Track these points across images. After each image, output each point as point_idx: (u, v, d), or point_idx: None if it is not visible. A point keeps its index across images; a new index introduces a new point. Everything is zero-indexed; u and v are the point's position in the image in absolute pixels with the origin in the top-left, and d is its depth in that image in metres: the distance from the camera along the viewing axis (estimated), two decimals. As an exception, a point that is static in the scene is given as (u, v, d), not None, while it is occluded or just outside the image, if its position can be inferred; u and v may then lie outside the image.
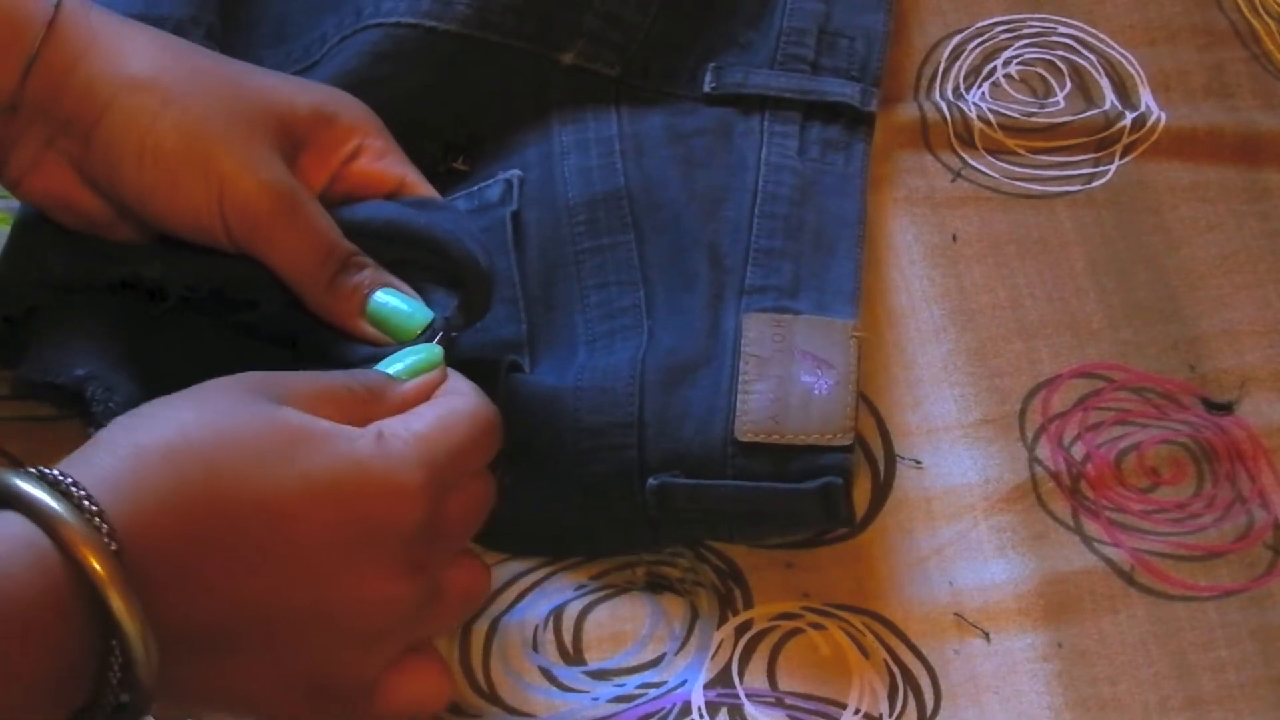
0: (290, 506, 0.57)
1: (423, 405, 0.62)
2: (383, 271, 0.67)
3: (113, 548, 0.53)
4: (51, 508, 0.53)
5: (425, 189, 0.70)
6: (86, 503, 0.53)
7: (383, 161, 0.70)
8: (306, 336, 0.68)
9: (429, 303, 0.67)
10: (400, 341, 0.66)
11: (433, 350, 0.65)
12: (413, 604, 0.59)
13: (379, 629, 0.59)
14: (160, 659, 0.54)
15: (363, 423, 0.60)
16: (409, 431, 0.60)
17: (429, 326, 0.66)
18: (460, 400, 0.62)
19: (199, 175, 0.65)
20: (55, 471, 0.54)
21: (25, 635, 0.52)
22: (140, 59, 0.66)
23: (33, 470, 0.54)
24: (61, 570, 0.53)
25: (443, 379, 0.64)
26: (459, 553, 0.62)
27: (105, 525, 0.53)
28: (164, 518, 0.55)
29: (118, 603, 0.53)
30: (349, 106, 0.71)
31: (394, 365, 0.64)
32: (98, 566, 0.53)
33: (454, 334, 0.66)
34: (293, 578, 0.57)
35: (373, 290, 0.67)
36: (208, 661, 0.57)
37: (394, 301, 0.67)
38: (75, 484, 0.54)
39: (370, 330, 0.67)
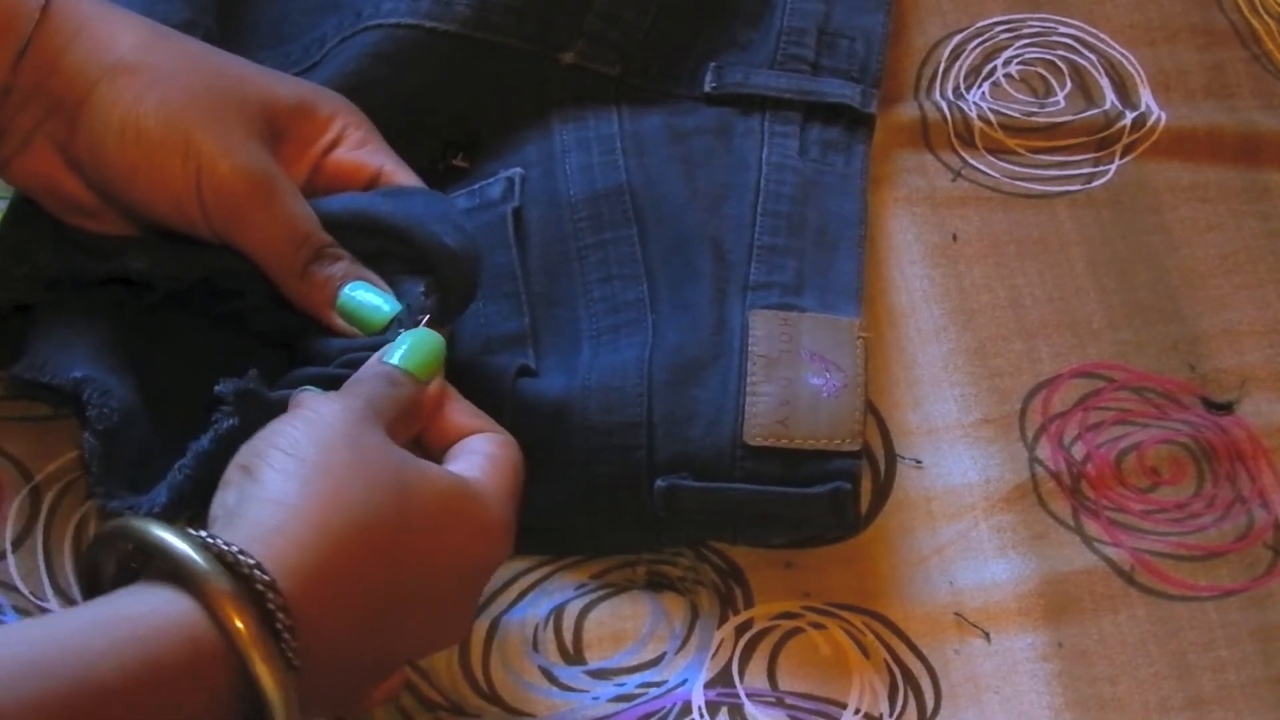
0: (437, 564, 0.59)
1: (491, 445, 0.64)
2: (357, 265, 0.68)
3: (288, 656, 0.54)
4: (223, 590, 0.53)
5: (404, 177, 0.71)
6: (271, 594, 0.54)
7: (361, 150, 0.70)
8: (293, 330, 0.68)
9: (404, 294, 0.67)
10: (368, 334, 0.66)
11: (420, 334, 0.65)
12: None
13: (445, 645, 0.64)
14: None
15: (408, 433, 0.62)
16: (490, 476, 0.62)
17: (394, 320, 0.66)
18: (507, 448, 0.64)
19: (178, 157, 0.66)
20: (237, 551, 0.54)
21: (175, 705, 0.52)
22: (127, 43, 0.67)
23: (216, 549, 0.54)
24: (213, 641, 0.53)
25: (441, 362, 0.65)
26: None
27: (287, 613, 0.54)
28: (341, 607, 0.56)
29: (277, 701, 0.53)
30: (328, 98, 0.71)
31: (393, 355, 0.64)
32: (270, 681, 0.53)
33: (428, 319, 0.66)
34: (428, 619, 0.60)
35: (345, 282, 0.67)
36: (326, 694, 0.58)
37: (363, 294, 0.67)
38: (264, 577, 0.54)
39: (340, 323, 0.67)
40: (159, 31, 0.68)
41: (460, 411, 0.65)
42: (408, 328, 0.65)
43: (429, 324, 0.65)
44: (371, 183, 0.70)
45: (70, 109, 0.66)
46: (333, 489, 0.57)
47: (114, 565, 0.57)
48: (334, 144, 0.70)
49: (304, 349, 0.67)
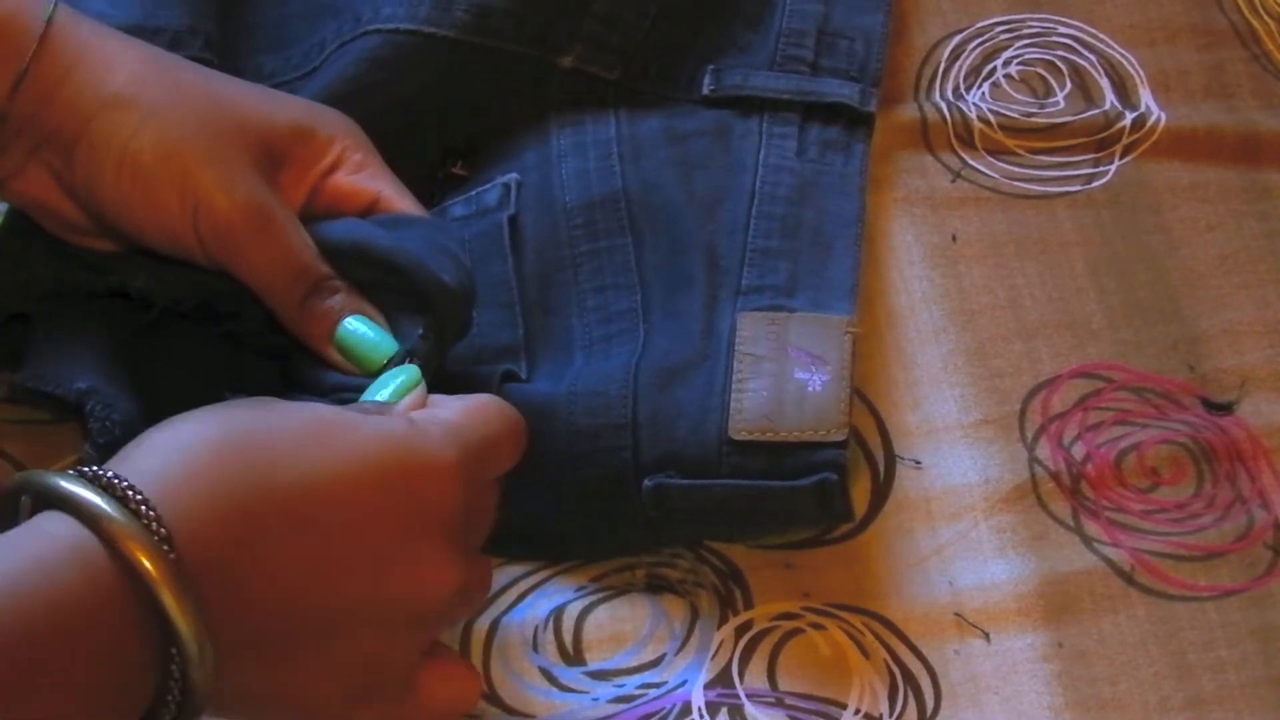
0: (337, 489, 0.56)
1: (448, 399, 0.62)
2: (356, 297, 0.67)
3: (165, 547, 0.52)
4: (100, 507, 0.52)
5: (403, 203, 0.70)
6: (138, 502, 0.53)
7: (359, 175, 0.70)
8: (288, 350, 0.68)
9: (399, 329, 0.67)
10: (364, 372, 0.66)
11: (411, 371, 0.65)
12: (457, 589, 0.59)
13: (429, 613, 0.59)
14: (216, 662, 0.53)
15: None
16: (438, 419, 0.60)
17: (391, 360, 0.66)
18: (488, 399, 0.63)
19: (174, 191, 0.66)
20: (106, 472, 0.54)
21: (76, 638, 0.51)
22: (124, 75, 0.66)
23: (81, 470, 0.54)
24: (110, 572, 0.52)
25: (423, 397, 0.64)
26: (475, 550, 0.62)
27: (158, 524, 0.53)
28: (214, 512, 0.54)
29: (170, 602, 0.52)
30: (328, 121, 0.71)
31: (381, 392, 0.64)
32: (149, 565, 0.52)
33: (421, 362, 0.65)
34: (353, 563, 0.56)
35: (343, 315, 0.67)
36: (265, 663, 0.56)
37: (362, 329, 0.66)
38: (128, 485, 0.53)
39: (336, 357, 0.67)
40: (156, 60, 0.68)
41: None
42: (404, 364, 0.65)
43: (424, 363, 0.65)
44: (370, 208, 0.70)
45: (67, 141, 0.66)
46: (205, 413, 0.57)
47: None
48: (333, 167, 0.70)
49: (298, 373, 0.67)
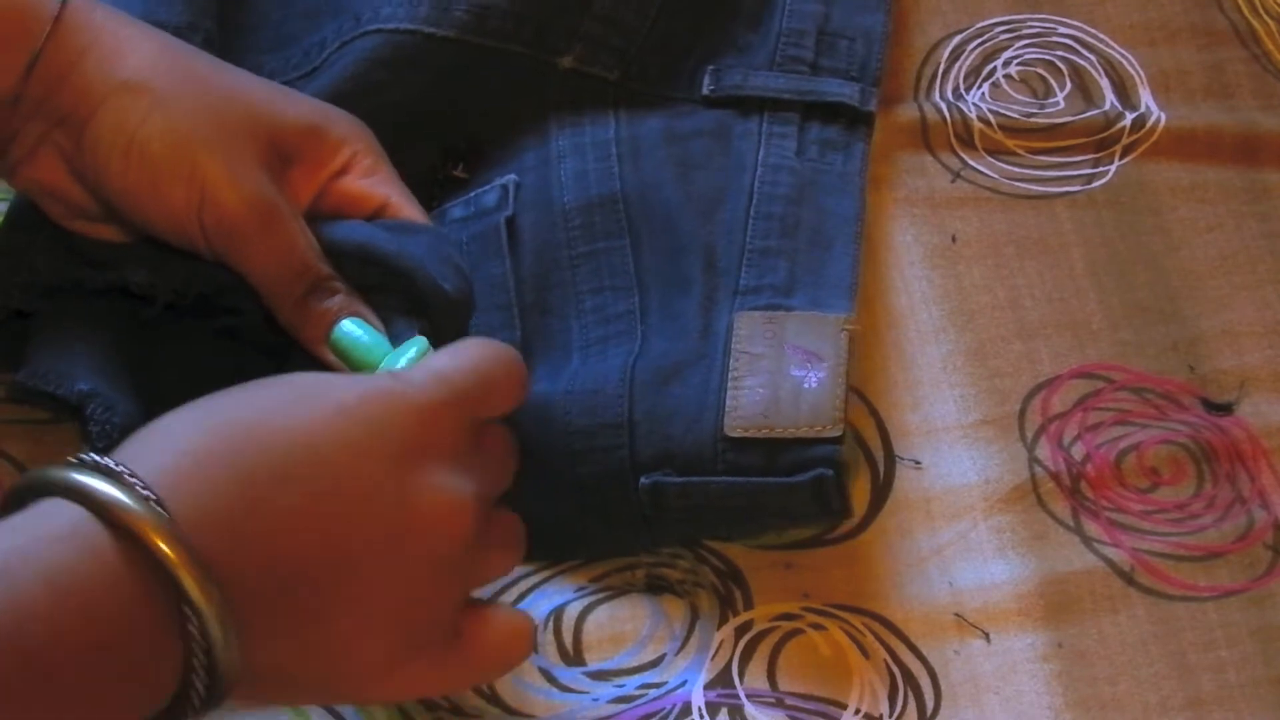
0: (322, 438, 0.56)
1: (438, 351, 0.63)
2: (354, 299, 0.67)
3: (176, 530, 0.53)
4: (112, 495, 0.52)
5: (409, 211, 0.70)
6: (143, 489, 0.53)
7: (368, 180, 0.70)
8: (290, 349, 0.68)
9: (395, 334, 0.67)
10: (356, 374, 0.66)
11: (420, 342, 0.65)
12: (474, 527, 0.58)
13: (449, 555, 0.58)
14: (241, 640, 0.53)
15: None
16: (424, 366, 0.61)
17: (381, 365, 0.66)
18: (478, 341, 0.63)
19: (181, 182, 0.66)
20: (109, 461, 0.54)
21: (77, 617, 0.51)
22: (136, 60, 0.66)
23: (82, 459, 0.54)
24: (114, 555, 0.52)
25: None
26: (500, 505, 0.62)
27: (162, 508, 0.53)
28: (210, 486, 0.54)
29: (191, 584, 0.52)
30: (340, 122, 0.71)
31: (399, 361, 0.64)
32: (168, 550, 0.52)
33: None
34: (348, 508, 0.56)
35: (340, 317, 0.67)
36: (291, 628, 0.56)
37: (357, 332, 0.66)
38: (131, 473, 0.53)
39: (331, 358, 0.67)
40: (170, 48, 0.68)
41: None
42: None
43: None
44: (377, 213, 0.70)
45: (77, 123, 0.66)
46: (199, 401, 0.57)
47: None
48: (344, 169, 0.70)
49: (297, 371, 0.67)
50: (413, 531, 0.57)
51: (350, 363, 0.66)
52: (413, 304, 0.67)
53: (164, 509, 0.53)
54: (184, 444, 0.55)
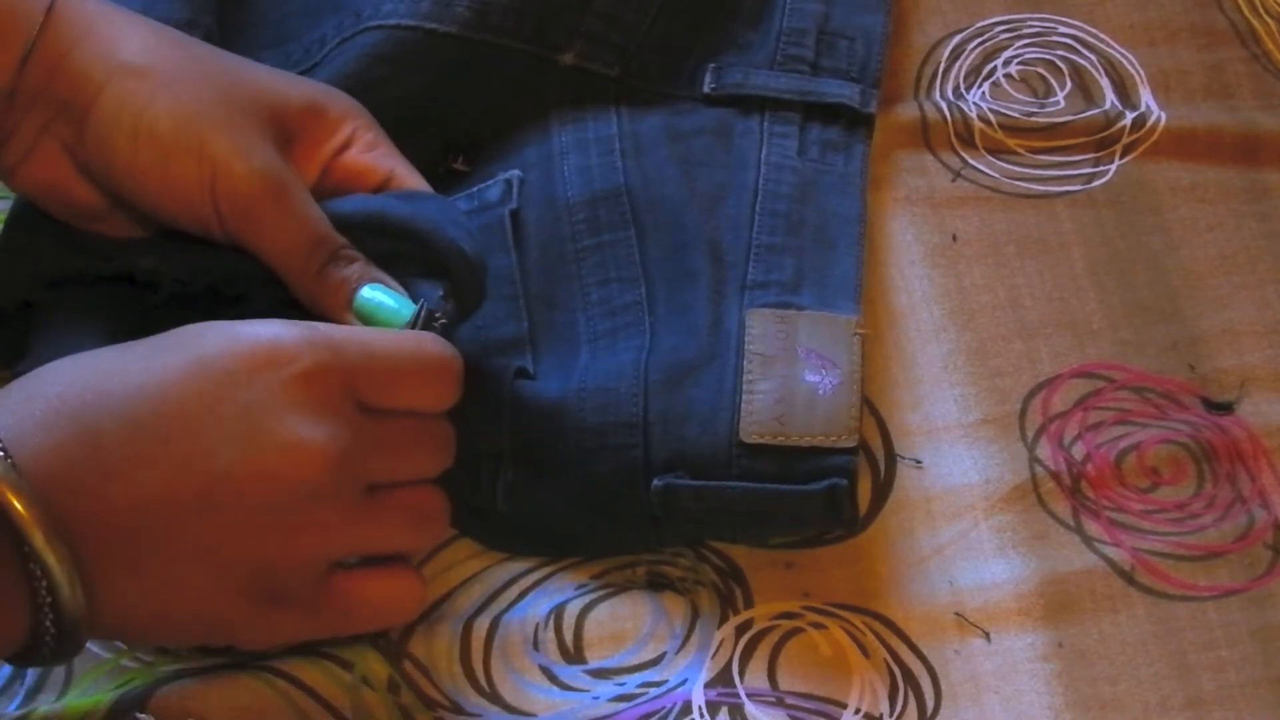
0: (168, 384, 0.58)
1: None
2: (372, 266, 0.67)
3: (21, 482, 0.54)
4: None
5: (415, 181, 0.70)
6: None
7: (373, 154, 0.70)
8: None
9: (417, 296, 0.67)
10: None
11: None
12: (326, 476, 0.59)
13: (293, 499, 0.59)
14: (85, 587, 0.55)
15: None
16: (321, 330, 0.61)
17: (415, 318, 0.66)
18: (422, 335, 0.63)
19: (191, 159, 0.65)
20: None
21: None
22: (135, 45, 0.66)
23: None
24: None
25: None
26: (417, 484, 0.62)
27: (10, 462, 0.54)
28: (53, 435, 0.56)
29: (39, 540, 0.54)
30: (339, 99, 0.71)
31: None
32: (19, 506, 0.54)
33: (444, 323, 0.66)
34: (189, 452, 0.57)
35: (360, 284, 0.67)
36: (136, 572, 0.57)
37: (380, 297, 0.66)
38: None
39: (355, 324, 0.66)
40: (165, 33, 0.68)
41: None
42: (424, 329, 0.65)
43: (444, 329, 0.65)
44: (382, 186, 0.70)
45: (78, 111, 0.66)
46: None
47: None
48: (345, 146, 0.70)
49: None
50: (255, 477, 0.58)
51: (377, 326, 0.66)
52: (432, 267, 0.67)
53: (13, 464, 0.54)
54: (38, 400, 0.57)
